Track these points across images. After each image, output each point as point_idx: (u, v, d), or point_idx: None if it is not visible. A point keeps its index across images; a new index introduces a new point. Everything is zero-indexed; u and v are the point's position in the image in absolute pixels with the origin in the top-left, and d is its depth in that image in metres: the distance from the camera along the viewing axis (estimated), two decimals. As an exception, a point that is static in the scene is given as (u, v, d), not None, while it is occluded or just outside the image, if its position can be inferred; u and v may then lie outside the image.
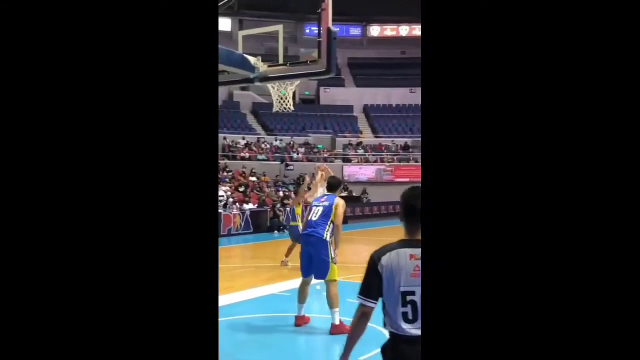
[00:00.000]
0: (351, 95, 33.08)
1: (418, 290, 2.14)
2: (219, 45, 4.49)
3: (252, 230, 17.35)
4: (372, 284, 2.24)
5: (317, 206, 5.81)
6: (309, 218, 5.80)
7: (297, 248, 9.69)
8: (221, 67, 4.58)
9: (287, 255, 9.97)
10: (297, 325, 5.79)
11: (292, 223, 10.58)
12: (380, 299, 2.25)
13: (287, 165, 25.80)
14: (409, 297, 2.17)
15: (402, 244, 2.27)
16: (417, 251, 2.19)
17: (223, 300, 7.12)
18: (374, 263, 2.24)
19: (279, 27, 4.80)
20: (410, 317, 2.17)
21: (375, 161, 28.19)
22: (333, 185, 6.10)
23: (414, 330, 2.16)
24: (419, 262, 2.17)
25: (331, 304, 5.49)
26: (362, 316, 2.28)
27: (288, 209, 10.42)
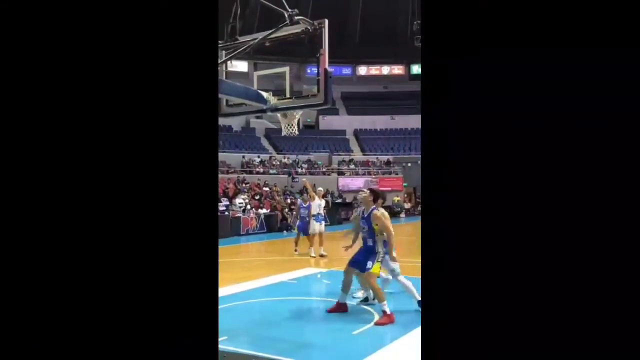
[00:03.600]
0: (344, 122, 33.25)
1: None
2: (239, 84, 4.52)
3: (265, 230, 17.43)
4: None
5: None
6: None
7: (302, 241, 9.80)
8: (240, 100, 4.61)
9: (296, 245, 9.97)
10: (330, 311, 5.38)
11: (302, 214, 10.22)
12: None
13: (293, 178, 25.79)
14: None
15: None
16: None
17: (243, 286, 7.08)
18: None
19: (286, 69, 4.84)
20: None
21: (364, 174, 28.20)
22: (377, 193, 5.52)
23: None
24: None
25: (377, 298, 5.13)
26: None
27: (302, 203, 10.24)
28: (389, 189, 23.81)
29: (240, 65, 27.28)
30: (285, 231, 17.27)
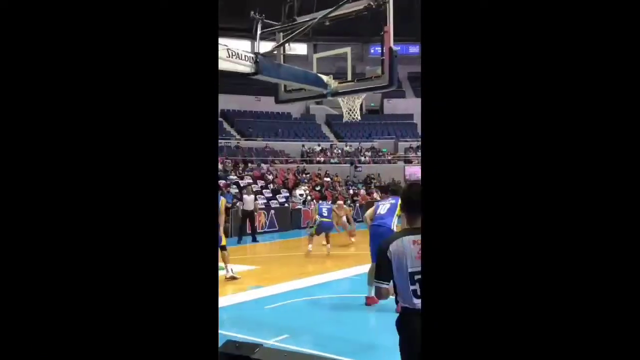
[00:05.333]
0: (411, 105, 32.52)
1: None
2: (297, 67, 4.56)
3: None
4: (384, 268, 2.34)
5: (384, 204, 5.95)
6: (378, 212, 5.87)
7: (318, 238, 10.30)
8: (299, 85, 4.65)
9: (310, 242, 10.51)
10: (367, 304, 5.76)
11: (324, 219, 10.93)
12: (392, 280, 2.35)
13: (356, 167, 25.76)
14: (416, 277, 2.25)
15: (406, 232, 2.38)
16: (419, 237, 2.27)
17: (305, 282, 7.21)
18: (383, 251, 2.36)
19: (347, 49, 4.81)
20: (419, 293, 2.25)
21: (434, 162, 27.62)
22: (395, 190, 6.49)
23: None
24: (420, 247, 2.24)
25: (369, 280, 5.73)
26: (380, 295, 2.45)
27: (323, 206, 11.11)
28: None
29: (299, 48, 27.52)
30: (348, 224, 17.32)
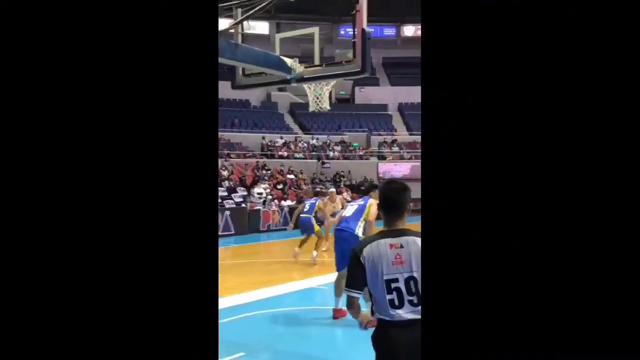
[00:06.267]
0: (386, 94, 32.90)
1: (401, 278, 2.24)
2: (257, 48, 4.54)
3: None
4: (356, 275, 2.32)
5: (352, 205, 6.03)
6: (343, 214, 5.94)
7: (311, 241, 10.01)
8: (259, 68, 4.62)
9: (300, 245, 10.14)
10: (335, 318, 5.81)
11: (304, 215, 10.39)
12: (366, 289, 2.33)
13: (323, 163, 25.84)
14: (393, 285, 2.24)
15: (382, 235, 2.34)
16: (397, 240, 2.27)
17: (263, 293, 7.20)
18: (356, 255, 2.32)
19: (314, 30, 4.81)
20: (396, 303, 2.24)
21: (410, 158, 27.94)
22: (366, 189, 6.46)
23: (402, 314, 2.23)
24: (399, 251, 2.26)
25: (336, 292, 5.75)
26: (351, 306, 2.39)
27: (311, 200, 10.56)
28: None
29: (260, 27, 27.43)
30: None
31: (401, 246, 2.26)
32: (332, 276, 6.67)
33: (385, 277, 2.25)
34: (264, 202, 17.70)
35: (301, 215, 10.43)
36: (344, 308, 5.84)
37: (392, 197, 2.37)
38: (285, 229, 16.94)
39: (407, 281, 2.23)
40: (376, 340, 2.31)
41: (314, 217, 10.37)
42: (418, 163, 27.37)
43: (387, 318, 2.26)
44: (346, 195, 16.99)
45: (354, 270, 2.34)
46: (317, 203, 10.46)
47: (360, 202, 5.94)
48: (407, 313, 2.22)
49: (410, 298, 2.22)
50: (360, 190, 6.51)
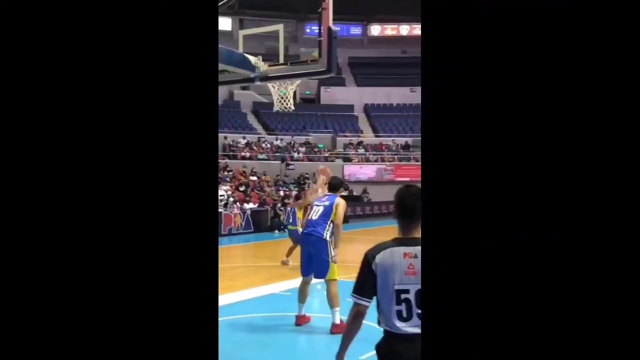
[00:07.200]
0: (352, 95, 33.10)
1: (412, 289, 2.15)
2: (220, 45, 4.49)
3: (252, 230, 17.37)
4: (367, 282, 2.23)
5: (317, 206, 5.83)
6: (310, 217, 5.81)
7: (298, 248, 9.91)
8: (222, 66, 4.58)
9: (288, 255, 10.00)
10: (297, 324, 5.79)
11: (290, 227, 10.55)
12: (374, 298, 2.24)
13: (287, 164, 25.82)
14: (403, 296, 2.16)
15: (397, 242, 2.25)
16: (411, 249, 2.19)
17: (224, 299, 7.12)
18: (368, 262, 2.23)
19: (279, 27, 4.80)
20: (404, 315, 2.16)
21: (376, 160, 28.19)
22: (334, 185, 6.10)
23: (409, 328, 2.15)
24: (413, 261, 2.18)
25: (331, 303, 5.49)
26: (357, 315, 2.28)
27: (289, 209, 10.59)
28: (408, 179, 23.74)
29: (222, 23, 27.20)
30: (276, 231, 17.31)
31: (415, 256, 2.17)
32: (296, 282, 6.65)
33: (396, 287, 2.17)
34: (225, 205, 17.55)
35: (289, 227, 10.50)
36: (307, 314, 5.91)
37: (411, 203, 2.24)
38: (248, 233, 16.85)
39: (418, 293, 2.14)
40: (381, 352, 2.25)
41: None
42: (384, 165, 27.67)
43: (392, 330, 2.18)
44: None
45: (364, 277, 2.24)
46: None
47: (326, 202, 5.77)
48: (414, 327, 2.13)
49: (419, 311, 2.14)
50: (330, 186, 6.15)
